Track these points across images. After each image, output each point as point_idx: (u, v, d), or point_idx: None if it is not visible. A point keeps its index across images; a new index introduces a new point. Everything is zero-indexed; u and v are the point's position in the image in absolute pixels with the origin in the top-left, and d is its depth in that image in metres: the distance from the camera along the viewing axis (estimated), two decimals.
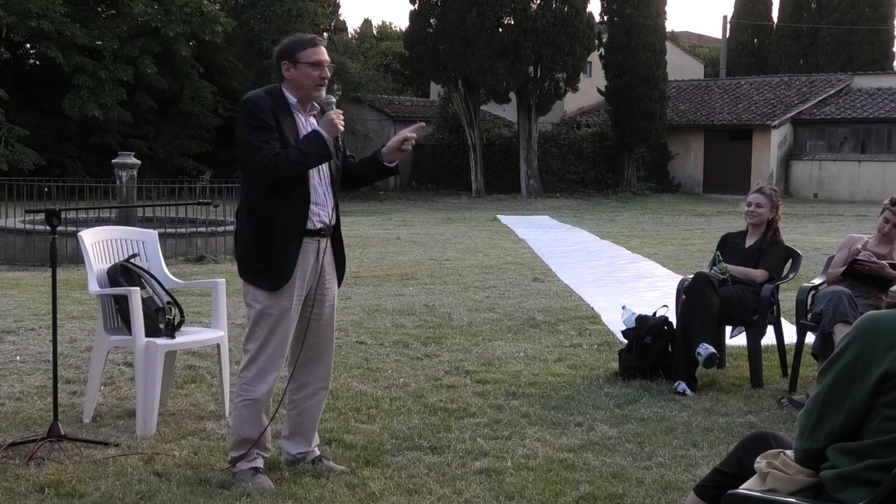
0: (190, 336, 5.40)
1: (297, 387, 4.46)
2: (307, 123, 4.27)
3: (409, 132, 4.32)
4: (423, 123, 4.45)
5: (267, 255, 4.20)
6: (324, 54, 4.24)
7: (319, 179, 4.27)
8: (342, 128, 4.22)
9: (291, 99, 4.25)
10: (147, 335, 5.05)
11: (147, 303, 5.16)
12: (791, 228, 17.16)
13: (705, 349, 5.90)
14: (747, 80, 38.50)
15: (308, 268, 4.28)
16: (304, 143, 4.14)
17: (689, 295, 6.20)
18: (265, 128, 4.12)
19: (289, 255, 4.19)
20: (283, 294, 4.21)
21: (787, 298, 7.71)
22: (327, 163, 4.28)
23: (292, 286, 4.23)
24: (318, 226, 4.27)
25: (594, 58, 33.14)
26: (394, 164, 4.46)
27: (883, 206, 6.18)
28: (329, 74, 4.25)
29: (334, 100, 4.28)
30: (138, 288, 5.11)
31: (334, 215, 4.35)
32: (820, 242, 15.90)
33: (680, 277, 7.36)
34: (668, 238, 17.74)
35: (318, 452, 4.49)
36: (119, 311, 5.23)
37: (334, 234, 4.40)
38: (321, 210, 4.27)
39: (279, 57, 4.26)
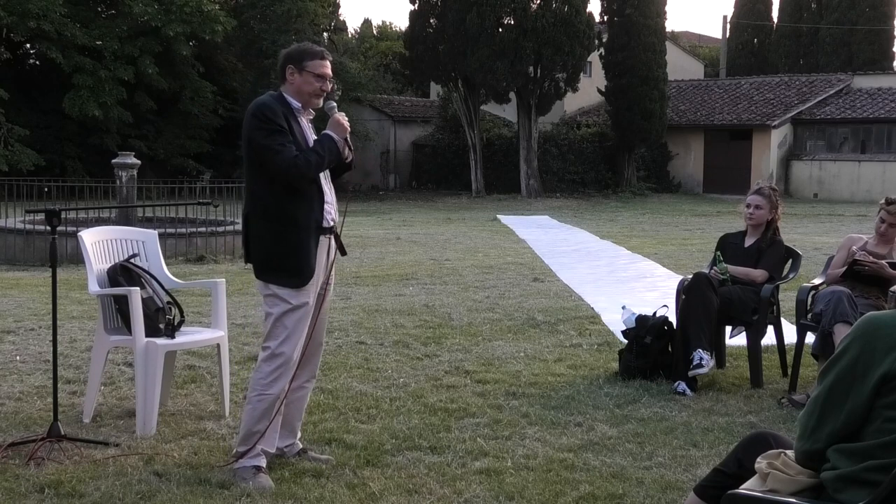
0: (190, 336, 5.40)
1: (294, 378, 4.50)
2: (307, 126, 4.46)
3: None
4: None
5: (293, 254, 4.32)
6: (328, 68, 4.42)
7: (325, 179, 4.45)
8: (349, 128, 4.43)
9: (295, 104, 4.41)
10: (147, 335, 5.05)
11: (147, 303, 5.16)
12: (791, 228, 17.18)
13: (703, 360, 5.90)
14: (747, 80, 38.48)
15: (322, 264, 4.44)
16: (318, 146, 4.35)
17: (689, 295, 6.20)
18: (280, 131, 4.27)
19: (311, 251, 4.35)
20: (308, 290, 4.35)
21: (787, 298, 7.71)
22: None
23: (314, 282, 4.39)
24: (331, 223, 4.47)
25: (594, 58, 33.13)
26: (348, 160, 4.53)
27: (879, 206, 6.19)
28: (329, 88, 4.43)
29: (335, 104, 4.48)
30: (138, 288, 5.11)
31: (338, 214, 4.56)
32: (820, 242, 15.91)
33: (680, 277, 7.36)
34: (668, 238, 17.74)
35: (300, 445, 4.59)
36: (119, 311, 5.23)
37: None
38: (331, 208, 4.48)
39: (287, 60, 4.41)
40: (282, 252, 4.33)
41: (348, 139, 4.45)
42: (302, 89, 4.37)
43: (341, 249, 4.61)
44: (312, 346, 4.55)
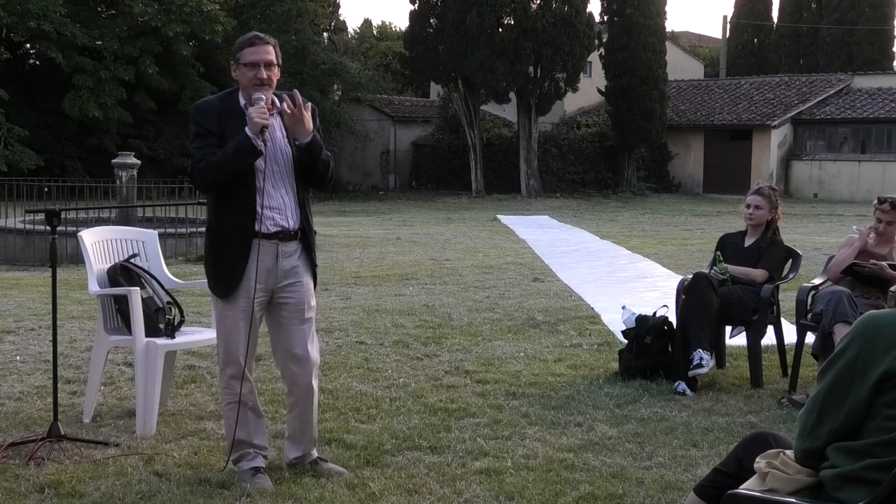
0: (190, 336, 5.40)
1: (288, 392, 4.48)
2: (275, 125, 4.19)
3: (284, 105, 4.13)
4: (294, 90, 4.21)
5: (214, 262, 4.27)
6: (259, 54, 4.10)
7: (273, 183, 4.16)
8: (262, 121, 4.02)
9: (242, 101, 4.19)
10: (147, 335, 5.05)
11: (147, 303, 5.16)
12: (791, 228, 17.17)
13: (703, 360, 5.90)
14: (747, 80, 38.48)
15: (265, 271, 4.20)
16: (228, 145, 4.06)
17: (689, 295, 6.20)
18: (202, 134, 4.13)
19: (236, 260, 4.17)
20: (238, 298, 4.21)
21: (787, 298, 7.71)
22: (284, 167, 4.18)
23: (247, 290, 4.19)
24: (274, 229, 4.18)
25: (594, 58, 33.13)
26: (304, 142, 4.14)
27: (873, 206, 6.16)
28: (265, 75, 4.09)
29: (262, 97, 4.09)
30: (138, 288, 5.11)
31: (298, 219, 4.26)
32: (820, 242, 15.91)
33: (680, 277, 7.36)
34: (668, 238, 17.74)
35: (315, 455, 4.47)
36: (119, 311, 5.23)
37: (303, 237, 4.31)
38: (276, 214, 4.18)
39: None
40: (210, 260, 4.31)
41: (266, 133, 4.03)
42: (243, 84, 4.14)
43: (310, 260, 4.32)
44: (291, 359, 4.33)
